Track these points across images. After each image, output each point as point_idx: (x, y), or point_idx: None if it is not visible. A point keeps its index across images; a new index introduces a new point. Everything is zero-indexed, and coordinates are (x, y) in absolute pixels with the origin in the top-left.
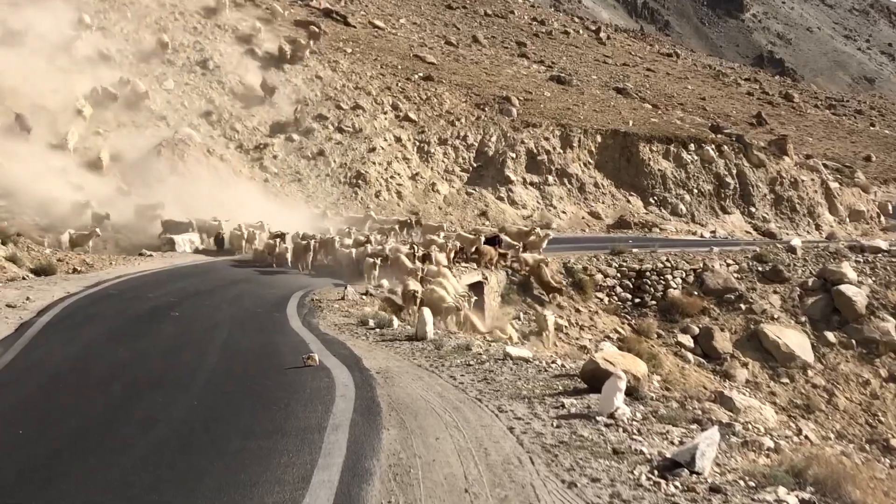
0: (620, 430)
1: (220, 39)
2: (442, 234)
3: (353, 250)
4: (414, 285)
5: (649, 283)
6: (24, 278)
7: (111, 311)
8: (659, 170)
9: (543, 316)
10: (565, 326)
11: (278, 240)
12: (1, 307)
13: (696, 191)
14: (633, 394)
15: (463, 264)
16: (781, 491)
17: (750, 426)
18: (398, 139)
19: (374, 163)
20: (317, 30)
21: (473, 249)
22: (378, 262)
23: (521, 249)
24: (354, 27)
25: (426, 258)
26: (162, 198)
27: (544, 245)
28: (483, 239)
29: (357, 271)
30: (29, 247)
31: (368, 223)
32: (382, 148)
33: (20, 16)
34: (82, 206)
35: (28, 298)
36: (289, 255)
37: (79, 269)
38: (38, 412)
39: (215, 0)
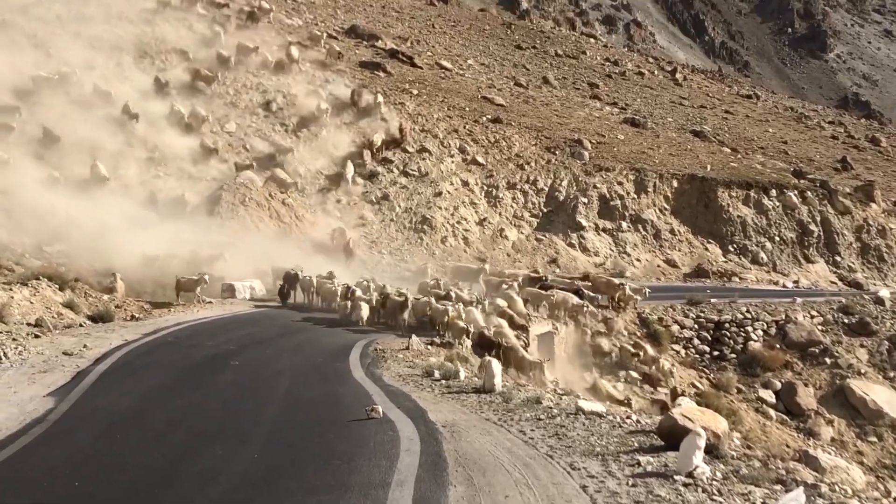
0: (700, 490)
1: (283, 81)
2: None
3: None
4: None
5: (728, 334)
6: (81, 325)
7: (169, 359)
8: (738, 216)
9: None
10: (639, 381)
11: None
12: (58, 355)
13: (777, 238)
14: (712, 452)
15: (533, 313)
16: None
17: (836, 488)
18: (465, 183)
19: (440, 207)
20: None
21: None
22: (470, 329)
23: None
24: (421, 68)
25: (524, 329)
26: (222, 243)
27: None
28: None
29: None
30: (87, 293)
31: (481, 277)
32: (449, 192)
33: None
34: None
35: (85, 346)
36: (363, 313)
37: (137, 315)
38: (93, 464)
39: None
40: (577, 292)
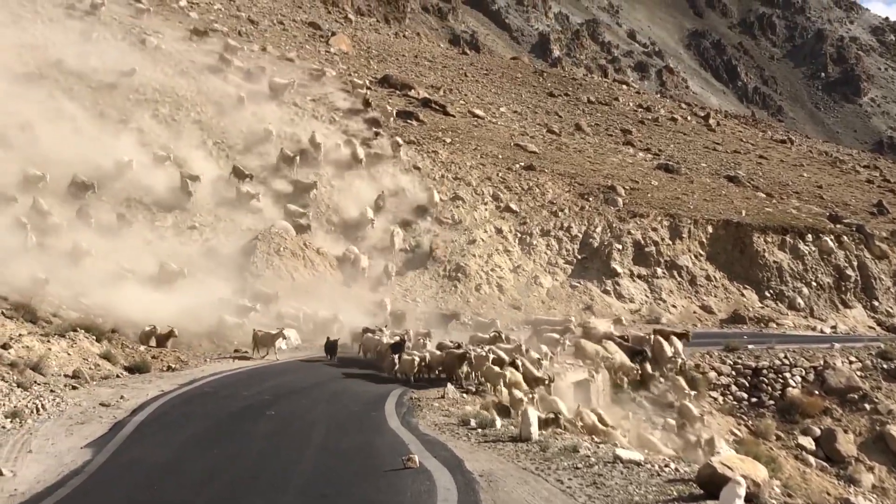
0: None
1: (316, 128)
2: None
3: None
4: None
5: (766, 381)
6: (118, 376)
7: (205, 409)
8: (774, 261)
9: None
10: (676, 428)
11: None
12: (95, 406)
13: (814, 284)
14: (752, 500)
15: (568, 361)
16: None
17: None
18: (499, 230)
19: (474, 255)
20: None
21: None
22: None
23: None
24: (453, 116)
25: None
26: (256, 292)
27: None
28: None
29: None
30: (123, 344)
31: (568, 332)
32: (483, 240)
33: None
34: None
35: (122, 397)
36: (412, 368)
37: (173, 366)
38: None
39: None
40: (640, 353)
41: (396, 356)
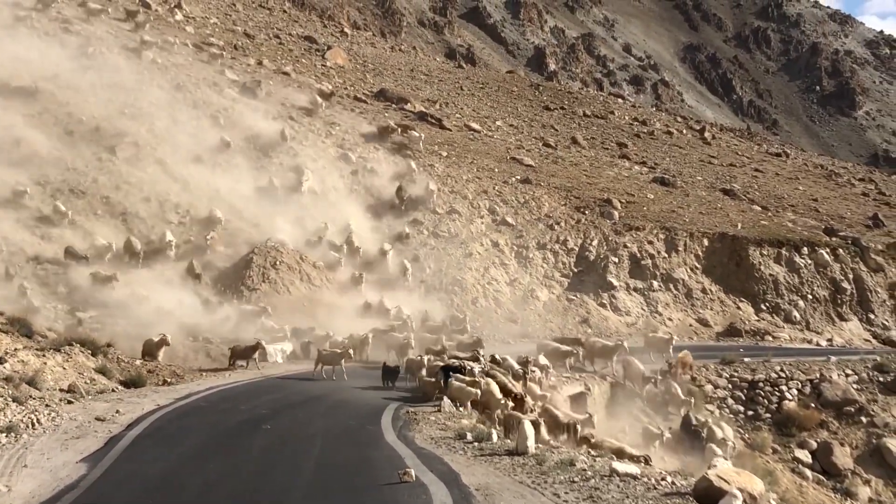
0: None
1: (312, 144)
2: None
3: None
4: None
5: (763, 394)
6: (113, 390)
7: (201, 424)
8: (770, 275)
9: None
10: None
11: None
12: (90, 420)
13: (810, 297)
14: None
15: (565, 374)
16: None
17: None
18: (495, 244)
19: (470, 268)
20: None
21: None
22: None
23: None
24: (450, 130)
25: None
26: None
27: None
28: None
29: None
30: (119, 358)
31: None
32: (479, 253)
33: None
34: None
35: (118, 411)
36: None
37: (169, 380)
38: None
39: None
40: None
41: (446, 379)
